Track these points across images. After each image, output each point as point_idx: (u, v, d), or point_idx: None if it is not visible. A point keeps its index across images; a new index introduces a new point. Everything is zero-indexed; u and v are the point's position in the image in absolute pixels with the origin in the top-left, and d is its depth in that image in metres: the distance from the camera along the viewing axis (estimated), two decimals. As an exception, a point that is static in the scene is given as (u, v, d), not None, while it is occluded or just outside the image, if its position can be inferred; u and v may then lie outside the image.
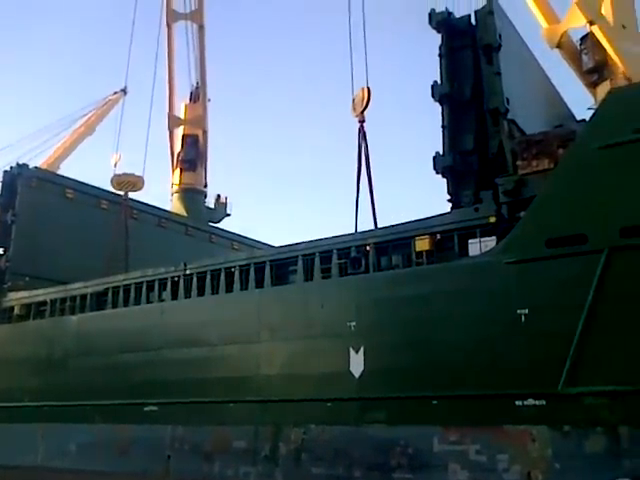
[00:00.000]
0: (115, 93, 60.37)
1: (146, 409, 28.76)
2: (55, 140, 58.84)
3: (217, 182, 68.68)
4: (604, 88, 29.74)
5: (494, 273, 21.21)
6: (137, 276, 32.70)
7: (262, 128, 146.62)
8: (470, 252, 22.89)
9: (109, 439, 29.67)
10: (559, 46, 32.31)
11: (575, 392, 18.93)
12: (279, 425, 24.90)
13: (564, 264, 19.75)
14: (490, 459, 20.13)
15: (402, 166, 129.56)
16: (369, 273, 24.85)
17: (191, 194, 56.70)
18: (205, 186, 58.20)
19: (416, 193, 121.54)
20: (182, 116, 58.19)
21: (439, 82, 26.26)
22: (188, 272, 30.17)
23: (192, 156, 56.85)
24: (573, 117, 31.26)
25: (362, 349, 23.33)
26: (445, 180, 25.32)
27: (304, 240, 27.57)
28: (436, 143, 25.72)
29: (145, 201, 49.11)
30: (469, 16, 26.78)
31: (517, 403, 19.79)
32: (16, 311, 37.52)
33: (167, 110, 57.46)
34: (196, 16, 57.99)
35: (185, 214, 54.63)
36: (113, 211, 44.10)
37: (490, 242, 22.36)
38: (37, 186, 42.42)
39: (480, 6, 26.44)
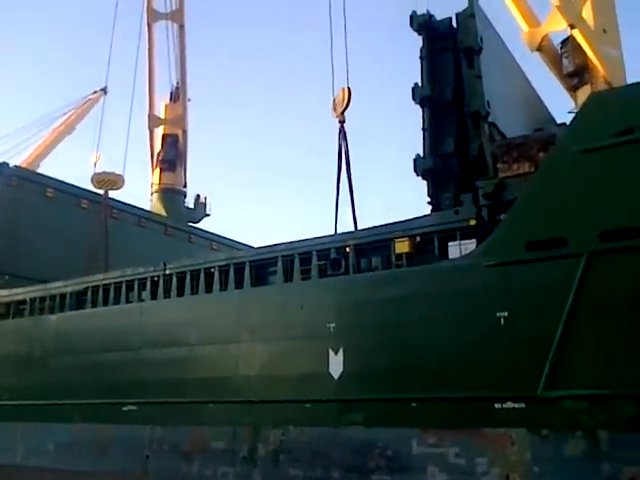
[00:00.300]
0: (95, 92, 60.36)
1: (125, 409, 28.64)
2: (35, 139, 58.88)
3: (197, 182, 68.52)
4: (584, 92, 29.83)
5: (474, 276, 21.16)
6: (116, 276, 32.56)
7: (242, 129, 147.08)
8: (450, 255, 22.85)
9: (88, 439, 29.56)
10: (540, 49, 32.38)
11: (554, 396, 18.89)
12: (258, 426, 24.83)
13: (544, 267, 19.74)
14: (469, 462, 20.08)
15: (383, 167, 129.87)
16: (349, 275, 24.80)
17: (170, 194, 56.82)
18: (185, 186, 58.33)
19: (396, 195, 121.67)
20: (162, 116, 58.35)
21: (420, 84, 26.25)
22: (167, 272, 30.06)
23: (172, 156, 56.97)
24: (553, 121, 31.34)
25: (341, 350, 23.28)
26: (425, 182, 25.31)
27: (284, 241, 27.54)
28: (417, 145, 25.81)
29: (123, 200, 49.11)
30: (450, 19, 26.73)
31: (496, 406, 19.74)
32: (-5, 309, 37.28)
33: (147, 110, 57.44)
34: (177, 16, 58.14)
35: (164, 214, 54.76)
36: (93, 210, 44.13)
37: (470, 245, 22.36)
38: (17, 185, 42.39)
39: (461, 9, 26.53)
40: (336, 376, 23.21)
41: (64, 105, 61.49)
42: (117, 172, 45.45)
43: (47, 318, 34.24)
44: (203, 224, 59.06)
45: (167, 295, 29.72)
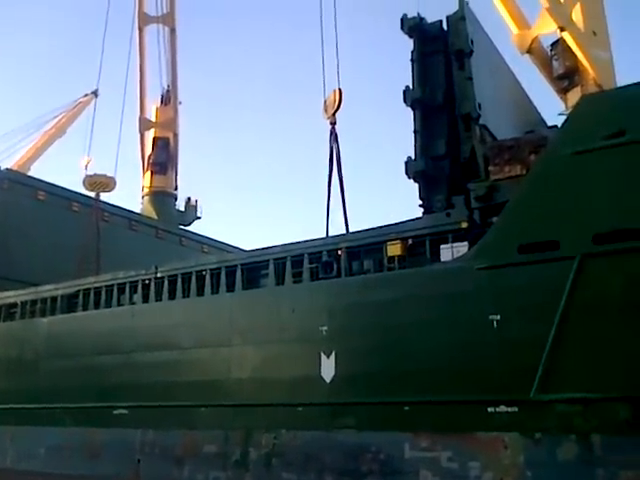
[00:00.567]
0: (86, 95, 60.09)
1: (116, 412, 28.55)
2: (25, 142, 58.72)
3: (188, 185, 68.47)
4: (575, 94, 29.91)
5: (466, 279, 21.16)
6: (108, 279, 32.49)
7: (233, 132, 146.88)
8: (442, 257, 22.85)
9: (79, 442, 29.50)
10: (530, 52, 32.36)
11: (547, 399, 18.92)
12: (250, 430, 24.77)
13: (536, 270, 19.76)
14: (462, 466, 20.06)
15: (374, 170, 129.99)
16: (341, 278, 24.75)
17: (161, 197, 56.83)
18: (176, 189, 58.36)
19: (388, 197, 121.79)
20: (153, 119, 58.26)
21: (411, 87, 26.25)
22: (159, 275, 30.01)
23: (163, 159, 56.98)
24: (544, 123, 31.41)
25: (333, 354, 23.26)
26: (417, 185, 25.31)
27: (276, 244, 27.49)
28: (408, 147, 25.80)
29: (114, 203, 49.05)
30: (441, 22, 26.78)
31: (489, 410, 19.75)
32: (-15, 313, 37.16)
33: (138, 113, 57.34)
34: (168, 19, 58.16)
35: (156, 217, 54.69)
36: (84, 213, 44.15)
37: (462, 247, 22.35)
38: (8, 188, 42.47)
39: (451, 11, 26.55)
40: (328, 379, 23.17)
41: (55, 108, 61.45)
42: (109, 174, 45.33)
43: (38, 321, 34.15)
44: (194, 227, 59.20)
45: (159, 298, 29.66)
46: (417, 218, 24.64)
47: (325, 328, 23.63)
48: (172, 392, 27.00)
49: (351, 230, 28.62)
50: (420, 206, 25.14)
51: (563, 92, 31.45)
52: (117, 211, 48.95)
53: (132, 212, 52.65)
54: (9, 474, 30.85)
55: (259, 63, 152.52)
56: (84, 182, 44.50)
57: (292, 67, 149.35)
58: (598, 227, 19.01)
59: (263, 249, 27.88)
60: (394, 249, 23.96)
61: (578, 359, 18.85)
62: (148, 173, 57.07)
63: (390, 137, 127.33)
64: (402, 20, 26.80)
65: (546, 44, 32.27)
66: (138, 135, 57.86)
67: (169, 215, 56.55)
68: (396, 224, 24.50)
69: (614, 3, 34.99)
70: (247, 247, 35.06)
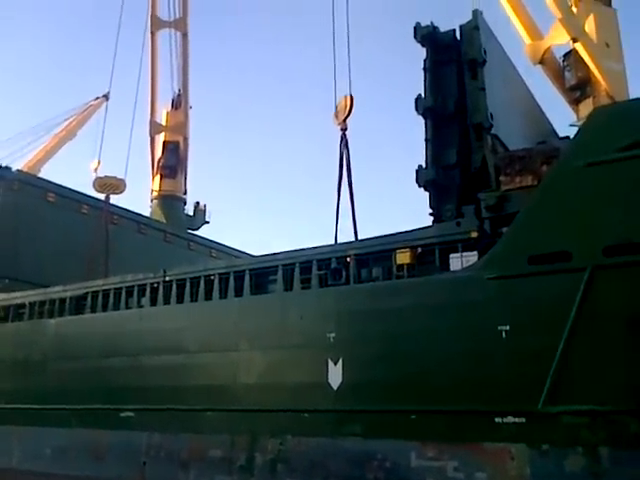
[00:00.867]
0: (97, 98, 60.24)
1: (122, 415, 28.54)
2: (36, 144, 58.87)
3: (196, 190, 68.56)
4: (586, 105, 29.94)
5: (475, 288, 21.12)
6: (116, 281, 32.53)
7: (242, 138, 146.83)
8: (451, 267, 22.80)
9: (85, 444, 29.46)
10: (542, 62, 32.39)
11: (555, 411, 18.84)
12: (256, 435, 24.73)
13: (546, 281, 19.70)
14: (468, 476, 20.00)
15: (385, 177, 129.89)
16: (349, 285, 24.73)
17: (170, 201, 56.99)
18: (185, 193, 58.51)
19: (398, 205, 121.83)
20: (163, 123, 58.35)
21: (423, 96, 26.25)
22: (167, 279, 30.01)
23: (172, 163, 57.12)
24: (555, 133, 31.42)
25: (341, 361, 23.21)
26: (427, 193, 25.29)
27: (284, 250, 27.52)
28: (419, 155, 25.81)
29: (122, 206, 49.14)
30: (454, 31, 26.80)
31: (497, 420, 19.69)
32: (-6, 313, 37.25)
33: (149, 116, 57.49)
34: (180, 24, 58.29)
35: (164, 220, 54.73)
36: (93, 216, 44.12)
37: (472, 257, 22.31)
38: (19, 189, 42.52)
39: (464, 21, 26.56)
40: (335, 386, 23.14)
41: (65, 111, 61.61)
42: (119, 177, 45.41)
43: (46, 322, 34.13)
44: (202, 231, 59.22)
45: (167, 302, 29.66)
46: (427, 227, 24.61)
47: (333, 335, 23.58)
48: (179, 396, 26.99)
49: (360, 237, 28.61)
50: (430, 215, 25.11)
51: (575, 103, 31.45)
52: (126, 214, 48.97)
53: (141, 215, 52.68)
54: (15, 474, 30.87)
55: (270, 69, 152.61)
56: (94, 184, 44.57)
57: (303, 74, 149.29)
58: (610, 239, 18.98)
59: (272, 255, 27.86)
60: (403, 257, 23.91)
61: (587, 371, 18.77)
62: (157, 177, 57.22)
63: (400, 143, 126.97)
64: (415, 29, 26.78)
65: (558, 55, 32.30)
66: (148, 138, 57.98)
67: (178, 219, 56.67)
68: (406, 232, 24.44)
69: (628, 15, 34.95)
70: (255, 253, 34.96)
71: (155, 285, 30.46)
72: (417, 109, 26.19)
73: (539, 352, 19.31)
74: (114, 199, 45.73)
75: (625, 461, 17.95)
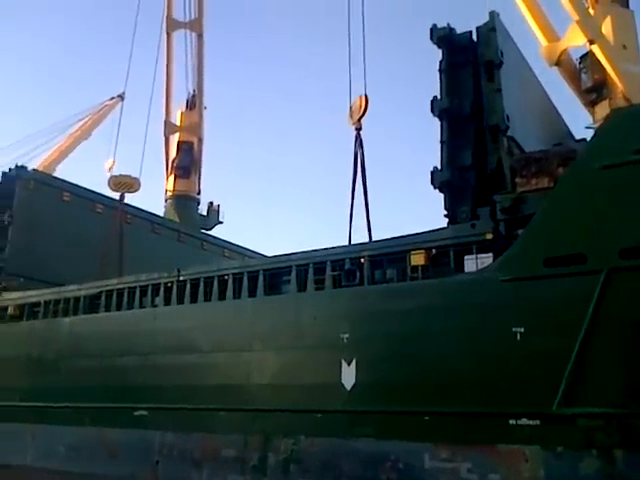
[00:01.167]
0: (112, 98, 60.49)
1: (136, 413, 28.59)
2: (51, 143, 59.06)
3: (210, 190, 68.50)
4: (603, 107, 29.86)
5: (490, 290, 21.10)
6: (130, 281, 32.56)
7: (257, 138, 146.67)
8: (466, 268, 22.72)
9: (98, 442, 29.54)
10: (558, 64, 32.36)
11: (570, 413, 18.80)
12: (269, 435, 24.76)
13: (562, 283, 19.65)
14: (482, 478, 19.97)
15: (399, 178, 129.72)
16: (363, 286, 24.67)
17: (184, 201, 57.05)
18: (198, 193, 58.59)
19: (413, 206, 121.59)
20: (178, 123, 58.44)
21: (439, 97, 26.20)
22: (181, 278, 30.03)
23: (187, 163, 57.22)
24: (572, 136, 31.33)
25: (354, 362, 23.21)
26: (442, 195, 25.25)
27: (297, 250, 27.49)
28: (434, 156, 25.77)
29: (137, 206, 49.23)
30: (470, 32, 26.72)
31: (511, 422, 19.65)
32: (9, 311, 37.37)
33: (163, 117, 57.59)
34: (196, 25, 58.34)
35: (178, 220, 54.78)
36: (108, 215, 44.20)
37: (486, 259, 22.23)
38: (35, 188, 42.62)
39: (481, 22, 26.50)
40: (348, 387, 23.13)
41: (81, 110, 61.78)
42: (133, 175, 45.46)
43: (60, 321, 34.28)
44: (215, 231, 59.20)
45: (180, 301, 29.67)
46: (442, 228, 24.55)
47: (346, 336, 23.57)
48: (192, 395, 27.03)
49: (374, 237, 28.61)
50: (445, 216, 25.05)
51: (591, 105, 31.39)
52: (140, 213, 49.03)
53: (155, 215, 52.73)
54: (29, 472, 30.96)
55: (285, 71, 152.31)
56: (109, 182, 44.63)
57: (317, 75, 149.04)
58: (625, 242, 18.91)
59: (285, 255, 27.84)
60: (418, 259, 23.87)
61: (602, 374, 18.73)
62: (172, 177, 57.30)
63: (417, 144, 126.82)
64: (431, 30, 26.73)
65: (575, 57, 32.23)
66: (163, 139, 58.07)
67: (191, 219, 56.72)
68: (420, 234, 24.38)
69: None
70: (268, 253, 34.98)
71: (169, 285, 30.47)
72: (433, 110, 26.14)
73: (554, 354, 19.27)
74: (128, 198, 45.85)
75: (640, 464, 17.92)
